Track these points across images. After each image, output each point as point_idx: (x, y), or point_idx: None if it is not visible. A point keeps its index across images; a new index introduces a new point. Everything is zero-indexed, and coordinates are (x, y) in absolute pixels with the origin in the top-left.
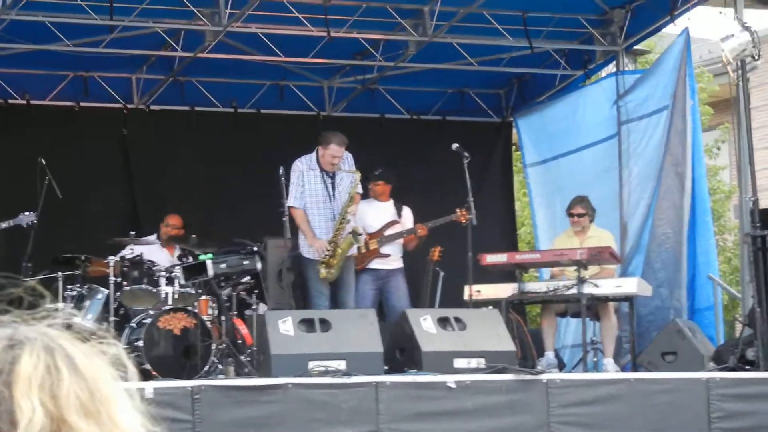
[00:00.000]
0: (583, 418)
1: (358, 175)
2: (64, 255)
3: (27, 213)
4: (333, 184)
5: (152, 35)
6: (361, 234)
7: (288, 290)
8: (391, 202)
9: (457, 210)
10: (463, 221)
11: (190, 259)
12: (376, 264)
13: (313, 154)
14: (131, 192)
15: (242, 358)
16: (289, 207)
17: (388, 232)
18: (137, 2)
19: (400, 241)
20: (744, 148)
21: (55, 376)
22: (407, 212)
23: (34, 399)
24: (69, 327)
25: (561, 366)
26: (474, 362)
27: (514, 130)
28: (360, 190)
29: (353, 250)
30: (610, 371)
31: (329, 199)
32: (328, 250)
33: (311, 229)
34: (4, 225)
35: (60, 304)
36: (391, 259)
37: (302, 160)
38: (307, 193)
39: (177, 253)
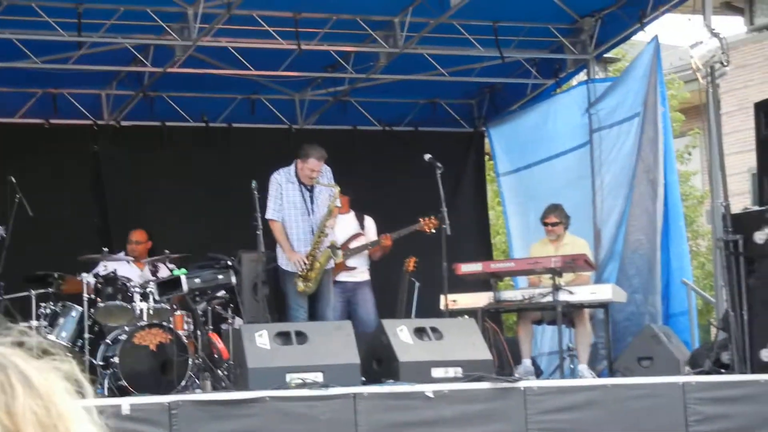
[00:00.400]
0: (561, 424)
1: (336, 189)
2: (36, 273)
3: None
4: (311, 197)
5: (121, 51)
6: (339, 248)
7: (263, 303)
8: (352, 214)
9: (421, 219)
10: (428, 230)
11: (165, 273)
12: (342, 277)
13: (292, 167)
14: (103, 208)
15: (219, 372)
16: (268, 219)
17: (353, 244)
18: (106, 18)
19: (366, 252)
20: (715, 154)
21: (10, 393)
22: (369, 222)
23: None
24: (20, 345)
25: (538, 373)
26: (451, 371)
27: (487, 140)
28: (339, 203)
29: (331, 264)
30: (586, 377)
31: (307, 212)
32: (306, 264)
33: (289, 242)
34: None
35: (33, 322)
36: (358, 271)
37: (280, 172)
38: (285, 205)
39: (147, 268)
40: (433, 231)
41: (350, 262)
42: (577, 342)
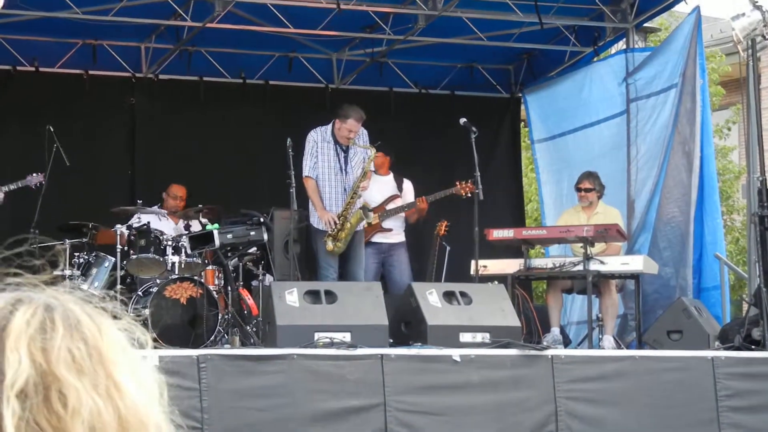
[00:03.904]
0: (588, 394)
1: (372, 151)
2: (71, 222)
3: (35, 174)
4: (346, 158)
5: (161, 4)
6: (371, 210)
7: (294, 261)
8: (391, 176)
9: (457, 183)
10: (463, 194)
11: (197, 228)
12: (378, 238)
13: (329, 126)
14: (138, 161)
15: (248, 328)
16: (304, 177)
17: (390, 206)
18: None
19: (402, 215)
20: (753, 128)
21: (49, 331)
22: (408, 185)
23: (22, 351)
24: (92, 296)
25: (566, 342)
26: (479, 337)
27: (523, 106)
28: (373, 167)
29: (362, 225)
30: (606, 348)
31: (341, 172)
32: (337, 224)
33: (321, 201)
34: (12, 186)
35: (67, 271)
36: (393, 233)
37: (317, 130)
38: (319, 164)
39: (182, 222)
40: (469, 195)
41: (386, 224)
42: (603, 312)
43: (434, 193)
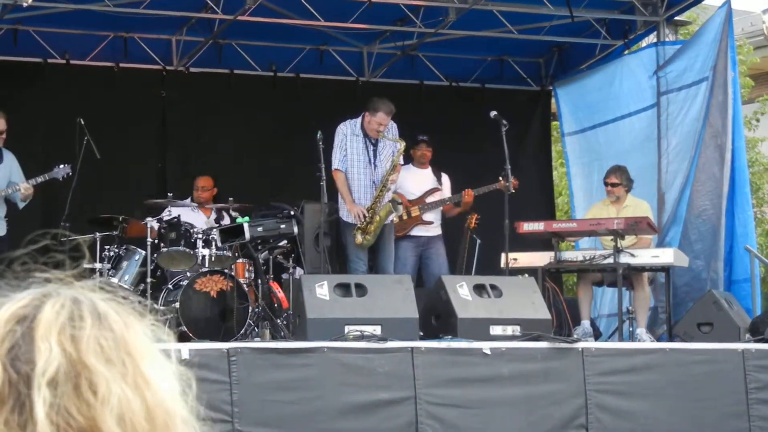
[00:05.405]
0: (619, 386)
1: (402, 145)
2: (101, 215)
3: (62, 165)
4: (375, 151)
5: None
6: (400, 203)
7: (324, 254)
8: (429, 169)
9: (501, 178)
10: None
11: (227, 221)
12: (417, 231)
13: (358, 119)
14: (169, 154)
15: (278, 321)
16: (333, 170)
17: (430, 199)
18: None
19: (440, 208)
20: None
21: (78, 323)
22: (446, 179)
23: (53, 341)
24: (112, 291)
25: (597, 335)
26: (510, 330)
27: (553, 99)
28: (402, 160)
29: (391, 218)
30: (644, 341)
31: (370, 165)
32: (366, 217)
33: (350, 194)
34: (40, 179)
35: (97, 264)
36: (432, 226)
37: (347, 123)
38: (348, 157)
39: (213, 215)
40: (512, 191)
41: (427, 216)
42: (636, 305)
43: (468, 186)
